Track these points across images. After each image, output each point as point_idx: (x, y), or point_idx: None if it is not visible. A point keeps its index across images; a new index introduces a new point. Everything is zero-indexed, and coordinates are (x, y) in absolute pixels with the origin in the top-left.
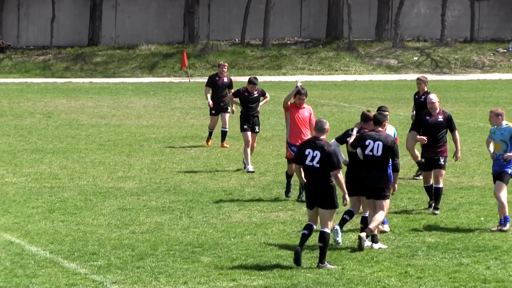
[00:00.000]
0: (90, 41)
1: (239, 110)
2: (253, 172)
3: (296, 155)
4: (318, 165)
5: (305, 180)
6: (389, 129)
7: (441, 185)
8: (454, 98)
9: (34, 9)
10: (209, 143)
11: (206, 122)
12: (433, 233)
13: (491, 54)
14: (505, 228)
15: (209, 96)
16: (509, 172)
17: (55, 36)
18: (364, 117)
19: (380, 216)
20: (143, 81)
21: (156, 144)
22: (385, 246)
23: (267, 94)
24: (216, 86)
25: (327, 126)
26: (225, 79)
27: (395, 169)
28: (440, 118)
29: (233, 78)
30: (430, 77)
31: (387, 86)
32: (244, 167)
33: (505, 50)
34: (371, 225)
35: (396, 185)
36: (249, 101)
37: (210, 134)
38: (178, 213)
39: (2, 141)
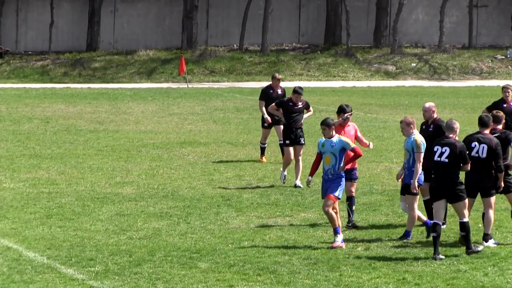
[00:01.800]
0: (88, 46)
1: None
2: (284, 183)
3: (426, 151)
4: (446, 160)
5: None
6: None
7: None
8: (452, 105)
9: (32, 14)
10: (264, 159)
11: (204, 128)
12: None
13: (489, 61)
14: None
15: (264, 110)
16: (409, 182)
17: (53, 41)
18: (494, 118)
19: (491, 215)
20: (141, 87)
21: (154, 149)
22: (496, 243)
23: (311, 108)
24: (270, 99)
25: (456, 125)
26: (279, 91)
27: (499, 170)
28: (431, 128)
29: (231, 84)
30: (428, 83)
31: (385, 92)
32: (284, 178)
33: (504, 57)
34: (486, 230)
35: (502, 183)
36: (293, 112)
37: (263, 150)
38: (175, 219)
39: (0, 147)
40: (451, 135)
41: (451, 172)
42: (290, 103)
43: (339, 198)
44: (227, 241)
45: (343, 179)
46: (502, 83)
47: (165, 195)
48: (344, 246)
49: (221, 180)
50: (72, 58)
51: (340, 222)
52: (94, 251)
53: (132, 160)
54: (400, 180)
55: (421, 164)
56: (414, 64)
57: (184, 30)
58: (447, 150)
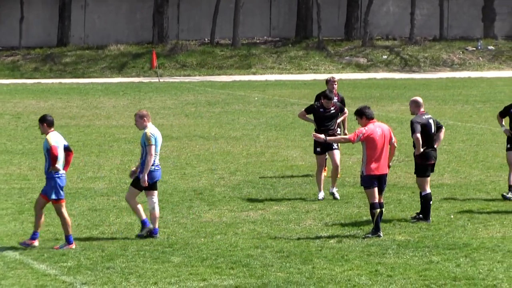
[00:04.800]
0: (59, 41)
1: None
2: (322, 199)
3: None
4: None
5: None
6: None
7: (423, 192)
8: (424, 96)
9: (2, 9)
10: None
11: (175, 122)
12: (403, 231)
13: (461, 52)
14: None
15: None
16: (140, 177)
17: (24, 36)
18: None
19: None
20: (113, 81)
21: (126, 144)
22: None
23: (345, 110)
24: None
25: None
26: (335, 98)
27: None
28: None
29: (203, 78)
30: (399, 75)
31: (356, 85)
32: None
33: (474, 48)
34: None
35: None
36: (325, 118)
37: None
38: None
39: None
40: None
41: None
42: (321, 109)
43: (55, 199)
44: (200, 235)
45: (55, 179)
46: (473, 74)
47: None
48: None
49: (193, 174)
50: (43, 53)
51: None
52: None
53: (104, 155)
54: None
55: (152, 157)
56: (385, 57)
57: (155, 25)
58: None
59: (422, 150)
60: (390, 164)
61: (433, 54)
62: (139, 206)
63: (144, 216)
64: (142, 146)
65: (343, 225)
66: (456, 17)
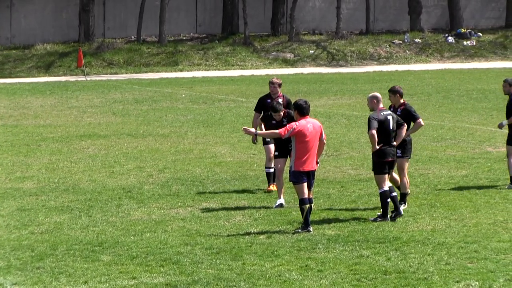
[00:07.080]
0: None
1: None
2: (281, 205)
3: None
4: None
5: None
6: None
7: (380, 189)
8: (351, 91)
9: None
10: (272, 187)
11: (103, 120)
12: (333, 225)
13: (387, 46)
14: None
15: (257, 125)
16: None
17: None
18: None
19: None
20: (40, 81)
21: (54, 143)
22: None
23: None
24: (268, 111)
25: None
26: (280, 100)
27: None
28: None
29: (130, 76)
30: (326, 70)
31: (284, 80)
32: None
33: (401, 41)
34: None
35: None
36: (277, 128)
37: (269, 176)
38: (77, 212)
39: None
40: None
41: None
42: (273, 121)
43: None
44: (129, 233)
45: None
46: (400, 68)
47: (66, 188)
48: None
49: (121, 172)
50: None
51: None
52: None
53: (32, 154)
54: None
55: None
56: (312, 51)
57: (81, 23)
58: None
59: (378, 147)
60: (319, 160)
61: (359, 48)
62: None
63: None
64: None
65: (272, 220)
66: (383, 10)
